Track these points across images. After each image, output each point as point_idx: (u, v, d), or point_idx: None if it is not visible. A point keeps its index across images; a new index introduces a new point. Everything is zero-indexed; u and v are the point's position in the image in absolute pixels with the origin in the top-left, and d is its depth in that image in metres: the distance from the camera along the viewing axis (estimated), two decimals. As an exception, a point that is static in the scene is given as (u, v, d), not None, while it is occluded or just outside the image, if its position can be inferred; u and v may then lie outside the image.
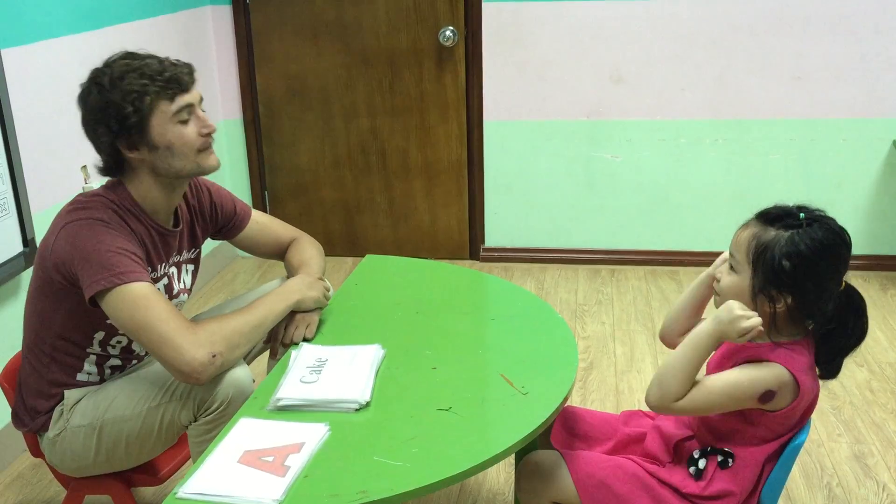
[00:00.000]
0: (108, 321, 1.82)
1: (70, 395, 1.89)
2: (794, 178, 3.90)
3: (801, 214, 1.55)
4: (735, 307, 1.51)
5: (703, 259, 4.02)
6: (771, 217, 1.57)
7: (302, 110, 4.13)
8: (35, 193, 2.73)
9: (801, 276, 1.52)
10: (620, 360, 3.16)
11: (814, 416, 2.72)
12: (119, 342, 1.92)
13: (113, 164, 1.85)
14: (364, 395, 1.67)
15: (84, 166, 3.02)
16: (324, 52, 4.04)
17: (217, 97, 4.12)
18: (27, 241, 2.67)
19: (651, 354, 3.19)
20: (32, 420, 1.92)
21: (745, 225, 1.60)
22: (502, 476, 2.46)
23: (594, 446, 1.79)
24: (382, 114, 4.10)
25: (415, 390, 1.74)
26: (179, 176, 1.86)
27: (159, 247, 1.91)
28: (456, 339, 1.98)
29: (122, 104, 1.75)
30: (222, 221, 2.13)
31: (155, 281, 1.90)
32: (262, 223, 2.22)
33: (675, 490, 1.63)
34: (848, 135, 3.82)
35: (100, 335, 1.88)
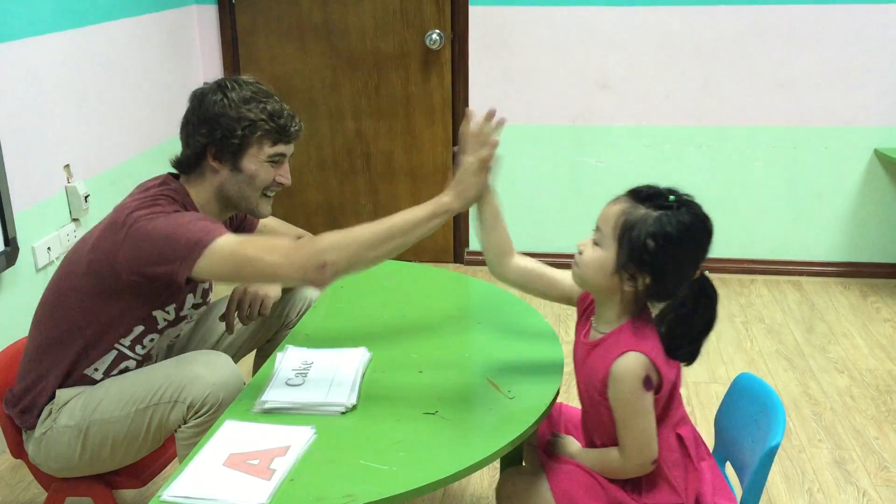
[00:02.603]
0: (154, 313, 1.88)
1: (62, 394, 1.88)
2: (777, 184, 3.93)
3: (672, 197, 1.55)
4: None
5: (686, 265, 4.05)
6: (642, 195, 1.57)
7: (287, 112, 4.11)
8: (17, 193, 2.70)
9: (663, 257, 1.52)
10: (604, 365, 3.16)
11: (795, 421, 2.77)
12: (152, 341, 1.93)
13: (190, 163, 1.91)
14: (350, 399, 1.66)
15: (67, 165, 3.00)
16: (310, 53, 4.03)
17: (202, 97, 4.10)
18: (8, 240, 2.64)
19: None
20: (25, 414, 1.91)
21: (616, 200, 1.60)
22: (486, 481, 2.46)
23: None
24: (368, 116, 4.09)
25: (401, 394, 1.73)
26: (237, 204, 1.95)
27: None
28: (442, 342, 1.98)
29: (235, 124, 1.85)
30: (236, 224, 2.17)
31: (200, 283, 1.93)
32: (271, 226, 2.27)
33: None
34: (830, 142, 3.86)
35: (139, 329, 1.89)
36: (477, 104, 4.00)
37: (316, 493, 1.41)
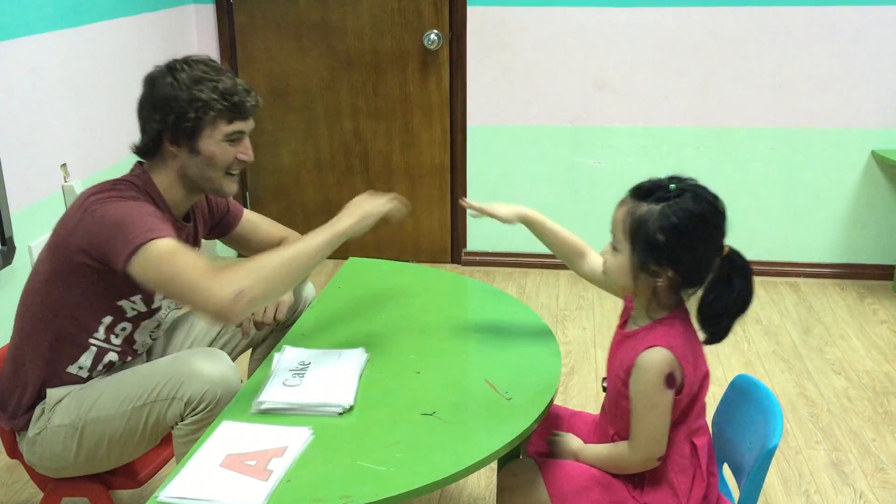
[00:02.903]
0: (119, 303, 1.86)
1: (53, 393, 1.87)
2: (775, 186, 3.94)
3: (672, 185, 1.55)
4: None
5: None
6: (643, 191, 1.57)
7: (285, 112, 4.11)
8: (13, 192, 2.70)
9: (677, 248, 1.52)
10: (601, 365, 3.17)
11: (792, 422, 2.77)
12: (124, 329, 1.92)
13: (148, 149, 1.90)
14: (348, 399, 1.66)
15: (64, 164, 2.99)
16: (307, 53, 4.03)
17: (199, 97, 4.09)
18: (4, 239, 2.64)
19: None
20: (15, 417, 1.90)
21: (622, 202, 1.61)
22: (483, 481, 2.46)
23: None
24: (366, 116, 4.09)
25: (399, 394, 1.73)
26: (200, 185, 1.93)
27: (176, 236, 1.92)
28: (440, 343, 1.98)
29: (187, 107, 1.82)
30: (217, 217, 2.16)
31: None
32: (254, 221, 2.24)
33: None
34: (827, 144, 3.86)
35: (108, 319, 1.88)
36: (475, 104, 4.00)
37: (313, 494, 1.40)
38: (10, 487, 2.46)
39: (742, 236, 4.00)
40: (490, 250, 4.23)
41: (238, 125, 1.89)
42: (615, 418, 1.68)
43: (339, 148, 4.16)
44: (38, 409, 1.88)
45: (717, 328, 1.59)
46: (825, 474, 2.51)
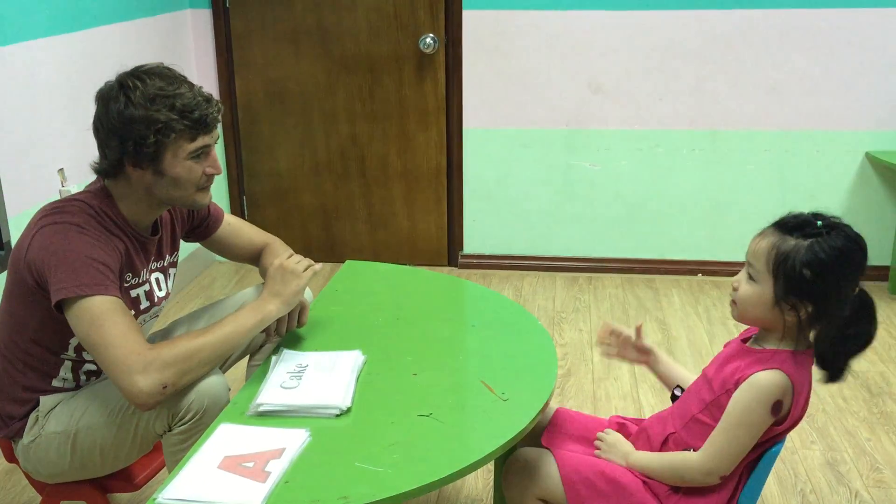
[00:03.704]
0: None
1: (46, 401, 1.87)
2: (770, 188, 3.95)
3: (819, 223, 1.56)
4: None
5: (680, 267, 4.07)
6: (789, 226, 1.58)
7: (282, 116, 4.12)
8: (11, 196, 2.70)
9: (822, 284, 1.54)
10: (598, 368, 3.18)
11: (788, 423, 2.78)
12: None
13: (109, 172, 1.82)
14: (345, 401, 1.67)
15: (61, 169, 3.00)
16: (304, 57, 4.04)
17: (196, 101, 4.10)
18: (2, 244, 2.65)
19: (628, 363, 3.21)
20: (7, 426, 1.90)
21: (762, 234, 1.61)
22: (480, 482, 2.47)
23: (585, 447, 1.79)
24: (362, 120, 4.10)
25: (395, 396, 1.74)
26: (171, 203, 1.88)
27: (140, 254, 1.90)
28: (436, 345, 1.99)
29: (145, 130, 1.71)
30: (196, 221, 2.12)
31: (135, 287, 1.89)
32: (234, 226, 2.21)
33: (659, 500, 1.65)
34: (822, 146, 3.88)
35: (75, 341, 1.85)
36: (471, 107, 4.02)
37: (311, 495, 1.41)
38: (9, 491, 2.47)
39: (737, 238, 4.03)
40: (487, 253, 4.24)
41: (202, 140, 1.79)
42: (683, 425, 1.68)
43: (336, 151, 4.17)
44: (32, 417, 1.87)
45: (838, 367, 1.60)
46: (821, 474, 2.52)
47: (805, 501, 2.40)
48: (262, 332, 1.92)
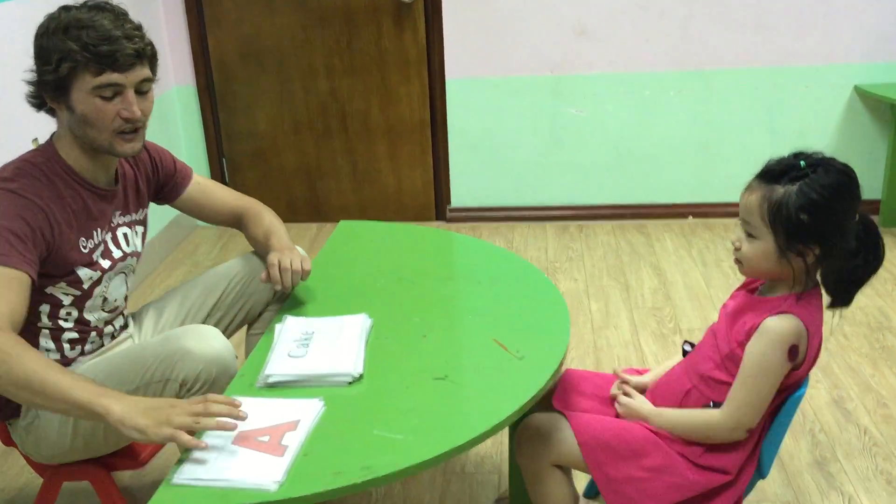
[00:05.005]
0: (47, 290, 1.75)
1: None
2: (758, 126, 3.90)
3: (802, 163, 1.52)
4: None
5: (670, 211, 4.04)
6: (774, 173, 1.54)
7: (258, 73, 4.00)
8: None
9: (822, 224, 1.51)
10: (596, 317, 3.14)
11: (791, 363, 2.76)
12: (69, 314, 1.83)
13: (34, 101, 1.79)
14: (357, 368, 1.61)
15: (35, 139, 2.88)
16: (277, 11, 3.90)
17: (168, 63, 3.96)
18: (-20, 220, 2.54)
19: (626, 309, 3.18)
20: (1, 408, 1.83)
21: (749, 188, 1.57)
22: (490, 440, 2.43)
23: (598, 405, 1.76)
24: (341, 74, 3.98)
25: (407, 360, 1.69)
26: (94, 148, 1.77)
27: (93, 211, 1.81)
28: (443, 304, 1.93)
29: (48, 58, 1.68)
30: (163, 179, 2.04)
31: (96, 242, 1.82)
32: (204, 185, 2.13)
33: (683, 455, 1.62)
34: (810, 81, 3.83)
35: (45, 308, 1.78)
36: (453, 57, 3.91)
37: (332, 467, 1.36)
38: (6, 474, 2.40)
39: (728, 178, 3.99)
40: (475, 205, 4.17)
41: (109, 77, 1.67)
42: (698, 381, 1.65)
43: (316, 108, 4.05)
44: None
45: (848, 295, 1.58)
46: (828, 413, 2.52)
47: (815, 441, 2.39)
48: (269, 282, 1.90)
